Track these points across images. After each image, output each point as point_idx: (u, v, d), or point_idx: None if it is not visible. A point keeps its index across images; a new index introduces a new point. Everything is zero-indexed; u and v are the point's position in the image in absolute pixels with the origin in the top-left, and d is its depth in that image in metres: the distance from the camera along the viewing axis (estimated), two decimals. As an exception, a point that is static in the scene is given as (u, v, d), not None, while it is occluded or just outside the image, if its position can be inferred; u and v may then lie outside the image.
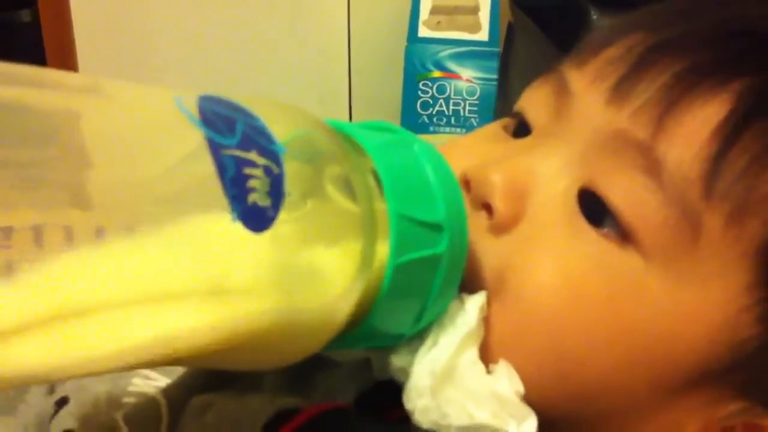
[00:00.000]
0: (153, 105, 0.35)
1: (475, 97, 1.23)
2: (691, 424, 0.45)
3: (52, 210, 0.30)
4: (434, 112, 1.25)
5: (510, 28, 1.34)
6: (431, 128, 1.21)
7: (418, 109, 1.24)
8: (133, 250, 0.31)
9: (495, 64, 1.23)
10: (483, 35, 1.28)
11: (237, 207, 0.32)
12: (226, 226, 0.32)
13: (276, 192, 0.34)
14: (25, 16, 3.17)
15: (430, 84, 1.26)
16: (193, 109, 0.34)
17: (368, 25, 1.52)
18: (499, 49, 1.25)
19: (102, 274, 0.30)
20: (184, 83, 1.68)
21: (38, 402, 0.48)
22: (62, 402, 0.48)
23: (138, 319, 0.32)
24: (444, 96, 1.25)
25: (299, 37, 1.57)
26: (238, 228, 0.32)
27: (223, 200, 0.32)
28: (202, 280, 0.33)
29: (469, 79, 1.25)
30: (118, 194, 0.32)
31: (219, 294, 0.33)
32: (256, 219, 0.33)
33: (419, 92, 1.25)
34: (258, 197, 0.33)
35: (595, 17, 1.03)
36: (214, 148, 0.32)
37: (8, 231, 0.28)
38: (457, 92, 1.25)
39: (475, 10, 1.32)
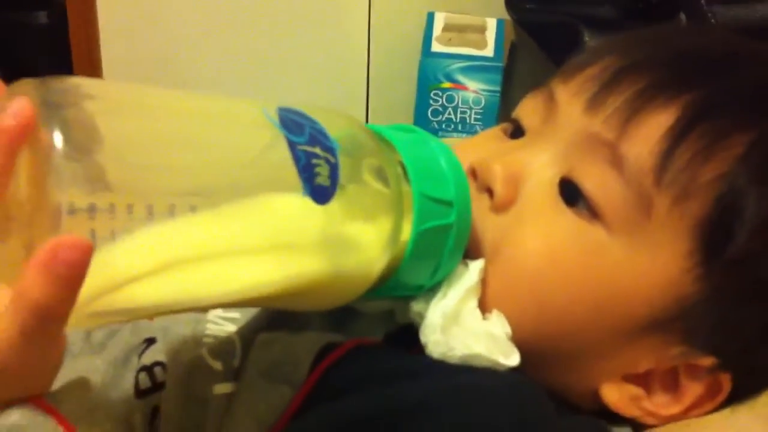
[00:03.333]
0: (247, 114, 0.45)
1: (480, 107, 1.30)
2: (644, 362, 0.52)
3: (156, 193, 0.38)
4: (443, 119, 1.32)
5: (513, 46, 1.40)
6: (440, 133, 1.27)
7: (429, 116, 1.31)
8: (220, 219, 0.40)
9: (498, 77, 1.29)
10: (489, 51, 1.34)
11: (307, 186, 0.41)
12: (297, 201, 0.41)
13: (334, 176, 0.43)
14: (42, 17, 3.08)
15: (440, 94, 1.32)
16: (275, 116, 0.43)
17: (386, 40, 1.58)
18: (502, 64, 1.32)
19: (197, 237, 0.39)
20: (206, 85, 1.68)
21: (126, 340, 0.56)
22: (150, 341, 0.56)
23: (228, 272, 0.41)
24: (452, 105, 1.32)
25: (323, 49, 1.62)
26: (307, 201, 0.41)
27: (294, 182, 0.41)
28: (276, 243, 0.42)
29: (475, 91, 1.31)
30: (217, 180, 0.41)
31: (288, 253, 0.43)
32: (321, 195, 0.42)
33: (430, 101, 1.32)
34: (322, 180, 0.42)
35: (587, 38, 1.10)
36: (291, 145, 0.42)
37: (111, 208, 0.37)
38: (464, 102, 1.32)
39: (482, 29, 1.39)
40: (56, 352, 0.40)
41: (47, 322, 0.36)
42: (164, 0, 1.71)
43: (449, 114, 1.32)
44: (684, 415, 0.52)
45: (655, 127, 0.50)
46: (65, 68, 2.13)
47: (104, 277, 0.36)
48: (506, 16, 1.39)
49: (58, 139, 0.35)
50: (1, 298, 0.36)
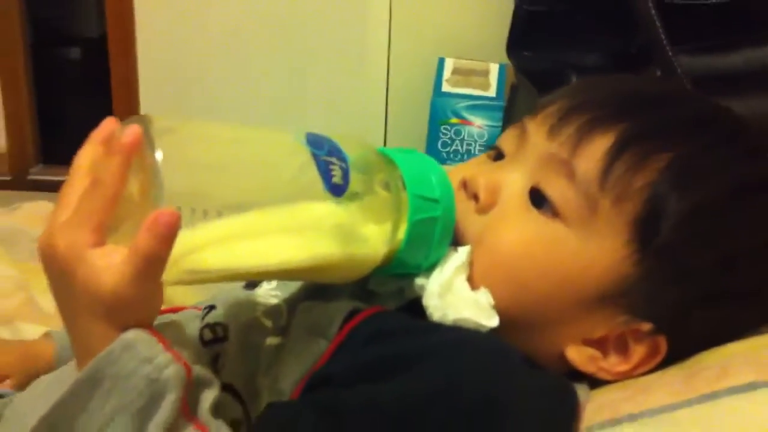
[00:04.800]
0: (282, 139, 0.58)
1: (483, 140, 1.40)
2: (598, 329, 0.61)
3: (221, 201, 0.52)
4: (451, 150, 1.42)
5: (513, 87, 1.50)
6: (448, 162, 1.38)
7: (439, 147, 1.42)
8: (264, 214, 0.53)
9: (500, 114, 1.40)
10: (492, 92, 1.45)
11: (327, 184, 0.55)
12: (321, 204, 0.54)
13: (345, 178, 0.56)
14: (74, 53, 3.08)
15: (449, 128, 1.42)
16: (303, 137, 0.56)
17: (402, 81, 1.69)
18: (503, 103, 1.42)
19: (247, 224, 0.53)
20: (239, 115, 1.79)
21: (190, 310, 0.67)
22: (211, 308, 0.66)
23: (268, 249, 0.54)
24: (459, 138, 1.42)
25: (347, 89, 1.74)
26: (328, 204, 0.54)
27: (319, 192, 0.54)
28: (304, 230, 0.55)
29: (479, 126, 1.42)
30: (265, 195, 0.54)
31: (313, 238, 0.55)
32: (337, 190, 0.55)
33: (441, 134, 1.42)
34: (337, 179, 0.55)
35: (575, 81, 1.20)
36: (315, 155, 0.55)
37: (191, 211, 0.50)
38: (470, 135, 1.42)
39: (486, 73, 1.50)
40: (158, 294, 0.50)
41: (151, 266, 0.47)
42: (201, 43, 1.83)
43: (456, 146, 1.41)
44: (632, 371, 0.61)
45: (598, 147, 0.61)
46: (99, 100, 2.22)
47: (185, 244, 0.49)
48: (507, 61, 1.48)
49: (160, 155, 0.48)
50: (120, 255, 0.48)
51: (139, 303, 0.49)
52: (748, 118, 0.73)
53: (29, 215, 1.31)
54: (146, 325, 0.50)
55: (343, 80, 1.76)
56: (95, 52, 2.49)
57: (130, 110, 2.00)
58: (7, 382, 0.76)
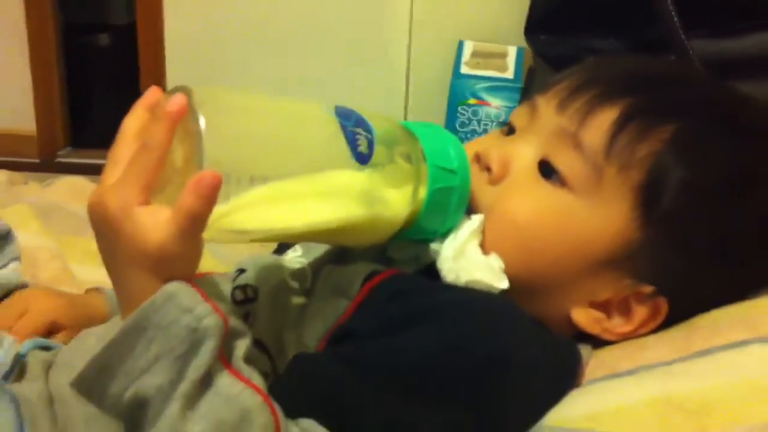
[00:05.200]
0: (314, 110, 0.61)
1: (500, 120, 1.41)
2: (603, 292, 0.64)
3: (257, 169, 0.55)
4: (469, 130, 1.44)
5: (530, 70, 1.51)
6: (465, 142, 1.40)
7: (457, 127, 1.44)
8: (298, 179, 0.57)
9: (517, 95, 1.42)
10: (509, 74, 1.47)
11: (353, 152, 0.58)
12: (349, 171, 0.57)
13: (370, 147, 0.59)
14: (103, 39, 3.11)
15: (467, 109, 1.44)
16: (332, 109, 0.60)
17: (423, 63, 1.72)
18: (521, 85, 1.45)
19: (282, 188, 0.56)
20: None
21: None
22: (241, 271, 0.67)
23: (300, 210, 0.57)
24: (477, 118, 1.45)
25: (370, 71, 1.77)
26: (355, 171, 0.58)
27: (347, 160, 0.57)
28: (333, 194, 0.58)
29: (497, 107, 1.44)
30: (296, 163, 0.58)
31: (341, 201, 0.59)
32: (362, 158, 0.58)
33: (459, 114, 1.44)
34: (362, 148, 0.59)
35: (585, 61, 1.21)
36: (343, 126, 0.59)
37: (228, 177, 0.52)
38: (487, 116, 1.44)
39: (504, 56, 1.52)
40: (198, 250, 0.53)
41: (194, 223, 0.50)
42: (226, 29, 1.86)
43: (474, 126, 1.44)
44: (634, 332, 0.64)
45: (604, 120, 0.63)
46: (126, 86, 2.24)
47: (224, 206, 0.52)
48: (525, 45, 1.51)
49: (203, 123, 0.52)
50: (165, 213, 0.51)
51: (181, 258, 0.52)
52: (761, 100, 0.76)
53: (63, 191, 1.34)
54: (187, 278, 0.53)
55: (365, 62, 1.78)
56: (124, 40, 2.53)
57: None
58: (62, 334, 0.77)
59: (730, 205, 0.65)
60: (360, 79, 1.78)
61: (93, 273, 1.08)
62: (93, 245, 1.15)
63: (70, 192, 1.32)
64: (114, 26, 3.14)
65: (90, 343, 0.67)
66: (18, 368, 0.66)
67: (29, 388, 0.63)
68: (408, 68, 1.75)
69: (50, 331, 0.77)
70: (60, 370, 0.63)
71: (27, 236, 1.10)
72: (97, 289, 0.84)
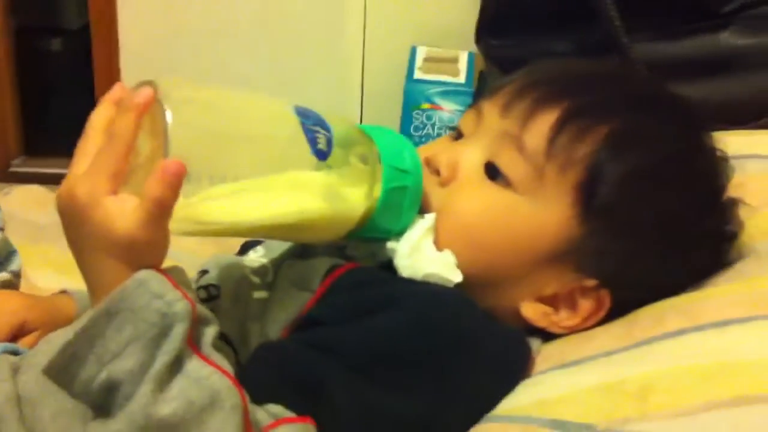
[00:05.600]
0: (273, 107, 0.64)
1: (453, 124, 1.39)
2: (550, 286, 0.67)
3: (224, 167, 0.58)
4: (423, 134, 1.46)
5: (481, 74, 1.54)
6: (420, 145, 1.41)
7: (412, 132, 1.46)
8: (259, 174, 0.59)
9: (469, 99, 1.44)
10: (461, 79, 1.49)
11: (313, 149, 0.60)
12: (309, 169, 0.60)
13: (329, 145, 0.61)
14: (55, 44, 3.08)
15: (421, 113, 1.46)
16: (292, 109, 0.62)
17: (377, 68, 1.74)
18: (472, 89, 1.47)
19: (244, 182, 0.58)
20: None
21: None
22: (204, 272, 0.70)
23: (261, 203, 0.59)
24: (431, 122, 1.47)
25: (324, 75, 1.78)
26: (314, 160, 0.60)
27: (307, 157, 0.60)
28: (294, 189, 0.60)
29: (450, 111, 1.46)
30: (259, 159, 0.60)
31: (301, 196, 0.61)
32: (321, 155, 0.61)
33: (413, 119, 1.46)
34: (321, 146, 0.61)
35: (526, 66, 1.22)
36: (303, 124, 0.61)
37: (192, 168, 0.54)
38: (441, 120, 1.46)
39: (456, 61, 1.55)
40: (165, 238, 0.54)
41: (160, 210, 0.52)
42: (181, 32, 1.85)
43: (428, 130, 1.46)
44: (581, 324, 0.67)
45: (544, 122, 0.66)
46: (79, 92, 2.22)
47: (188, 196, 0.54)
48: (476, 50, 1.53)
49: (169, 116, 0.54)
50: (133, 201, 0.53)
51: (149, 245, 0.54)
52: (700, 100, 0.80)
53: (20, 199, 1.35)
54: (156, 266, 0.54)
55: (320, 67, 1.79)
56: (76, 44, 2.51)
57: None
58: (32, 335, 0.78)
59: (664, 196, 0.68)
60: (316, 83, 1.79)
61: (51, 281, 1.09)
62: (51, 253, 1.17)
63: (28, 201, 1.33)
64: (66, 30, 3.12)
65: (58, 343, 0.69)
66: None
67: None
68: (362, 73, 1.76)
69: (21, 330, 0.77)
70: (27, 371, 0.64)
71: (-15, 244, 1.11)
72: (64, 292, 0.85)
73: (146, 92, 0.55)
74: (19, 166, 2.26)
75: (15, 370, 0.66)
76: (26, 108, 2.32)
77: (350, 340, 0.60)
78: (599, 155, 0.66)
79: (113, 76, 2.00)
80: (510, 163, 0.67)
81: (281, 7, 1.80)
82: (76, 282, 1.00)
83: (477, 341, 0.62)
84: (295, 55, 1.81)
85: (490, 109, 0.71)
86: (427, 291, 0.64)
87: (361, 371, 0.58)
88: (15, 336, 0.76)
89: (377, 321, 0.61)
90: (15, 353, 0.71)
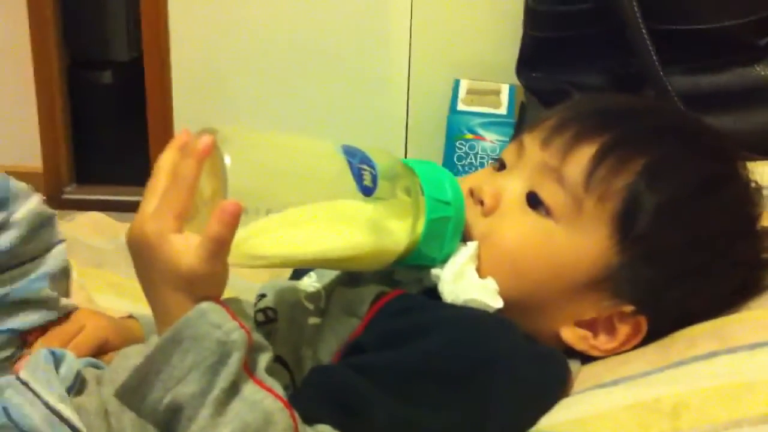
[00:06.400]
0: (322, 147, 0.68)
1: (495, 154, 1.45)
2: (588, 312, 0.69)
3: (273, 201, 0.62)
4: (466, 164, 1.49)
5: (522, 105, 1.56)
6: (462, 174, 1.41)
7: (455, 161, 1.49)
8: (309, 210, 0.63)
9: (510, 130, 1.47)
10: (503, 110, 1.52)
11: (359, 185, 0.64)
12: (356, 203, 0.64)
13: (375, 181, 0.65)
14: (105, 77, 3.15)
15: (464, 143, 1.49)
16: (340, 148, 0.66)
17: (422, 101, 1.77)
18: (513, 120, 1.49)
19: (295, 217, 0.62)
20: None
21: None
22: (262, 296, 0.73)
23: (312, 238, 0.63)
24: (474, 152, 1.49)
25: (370, 108, 1.81)
26: (361, 202, 0.64)
27: (353, 192, 0.64)
28: (341, 224, 0.64)
29: (491, 141, 1.49)
30: (308, 194, 0.64)
31: (348, 231, 0.64)
32: (367, 190, 0.64)
33: (456, 149, 1.49)
34: (367, 182, 0.65)
35: (565, 102, 1.21)
36: (350, 163, 0.65)
37: (248, 207, 0.59)
38: (483, 150, 1.49)
39: (498, 93, 1.57)
40: (225, 272, 0.58)
41: (220, 247, 0.56)
42: (232, 66, 1.89)
43: (471, 159, 1.49)
44: (619, 348, 0.69)
45: (583, 155, 0.69)
46: (128, 122, 2.26)
47: (245, 232, 0.59)
48: (517, 82, 1.55)
49: (227, 160, 0.59)
50: (196, 239, 0.57)
51: (210, 279, 0.58)
52: (735, 131, 0.83)
53: (83, 225, 1.40)
54: (216, 297, 0.58)
55: (366, 100, 1.83)
56: (126, 76, 2.57)
57: (165, 131, 2.06)
58: (112, 353, 0.82)
59: (697, 224, 0.70)
60: (362, 115, 1.83)
61: (113, 302, 1.15)
62: (112, 277, 1.23)
63: (90, 226, 1.38)
64: (116, 63, 3.20)
65: (132, 362, 0.74)
66: (78, 383, 0.71)
67: (88, 401, 0.68)
68: (407, 105, 1.79)
69: (101, 348, 0.82)
70: (108, 386, 0.69)
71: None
72: (131, 316, 0.90)
73: (207, 140, 0.59)
74: (70, 194, 2.33)
75: (98, 383, 0.71)
76: (77, 137, 2.38)
77: (390, 364, 0.63)
78: (636, 186, 0.68)
79: (166, 105, 2.05)
80: (550, 194, 0.70)
81: (329, 42, 1.84)
82: (135, 305, 1.06)
83: (514, 362, 0.64)
84: (342, 89, 1.84)
85: (531, 141, 0.73)
86: (466, 315, 0.67)
87: (399, 392, 0.61)
88: (96, 353, 0.81)
89: (417, 345, 0.63)
90: (96, 367, 0.76)
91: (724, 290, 0.72)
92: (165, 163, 0.62)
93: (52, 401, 0.66)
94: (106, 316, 0.88)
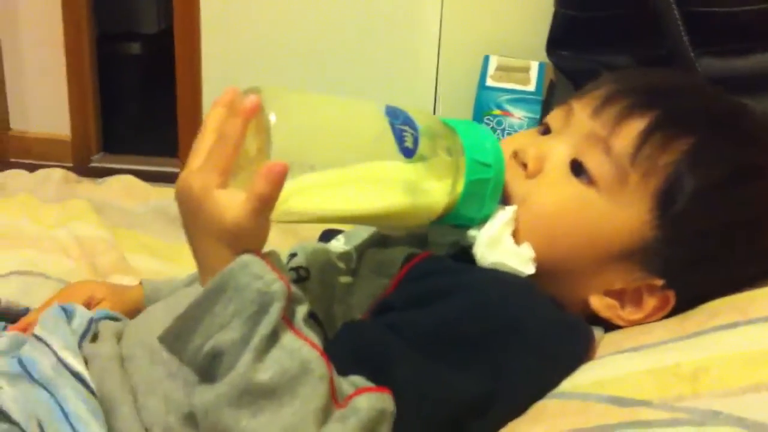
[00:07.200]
0: (365, 108, 0.69)
1: (522, 130, 1.42)
2: (618, 282, 0.70)
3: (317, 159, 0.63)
4: None
5: (551, 83, 1.56)
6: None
7: None
8: (350, 169, 0.64)
9: (538, 107, 1.47)
10: (531, 87, 1.52)
11: (400, 147, 0.65)
12: (396, 163, 0.64)
13: (416, 143, 0.66)
14: (134, 48, 3.20)
15: (492, 119, 1.50)
16: (383, 108, 0.67)
17: (451, 76, 1.78)
18: (542, 98, 1.49)
19: (336, 175, 0.63)
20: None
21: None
22: (293, 255, 0.76)
23: (350, 196, 0.64)
24: (501, 128, 1.49)
25: (400, 84, 1.83)
26: (400, 156, 0.65)
27: (394, 153, 0.64)
28: (380, 182, 0.65)
29: (519, 117, 1.49)
30: (349, 152, 0.65)
31: (386, 189, 0.65)
32: (407, 152, 0.65)
33: (484, 124, 1.43)
34: (408, 144, 0.66)
35: (617, 71, 1.18)
36: (392, 124, 0.66)
37: (293, 165, 0.59)
38: (511, 126, 1.49)
39: (527, 70, 1.57)
40: (267, 227, 0.60)
41: (264, 204, 0.57)
42: (263, 32, 1.89)
43: (498, 135, 1.46)
44: (644, 320, 0.71)
45: (631, 129, 0.70)
46: (156, 93, 2.24)
47: (288, 190, 0.59)
48: (546, 60, 1.56)
49: (273, 119, 0.60)
50: (241, 195, 0.58)
51: (252, 233, 0.59)
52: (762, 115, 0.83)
53: (115, 189, 1.44)
54: (257, 250, 0.60)
55: (396, 75, 1.83)
56: (154, 48, 2.61)
57: (193, 102, 2.07)
58: (104, 303, 0.88)
59: (734, 208, 0.71)
60: (392, 90, 1.83)
61: (145, 262, 1.19)
62: (144, 238, 1.27)
63: (122, 190, 1.42)
64: (144, 35, 3.25)
65: (156, 315, 0.76)
66: (92, 332, 0.75)
67: (102, 348, 0.71)
68: (436, 80, 1.79)
69: (88, 302, 0.89)
70: (130, 336, 0.71)
71: (88, 227, 1.20)
72: (140, 284, 0.95)
73: (253, 99, 0.60)
74: (98, 162, 2.37)
75: (118, 334, 0.74)
76: (106, 108, 2.41)
77: (417, 322, 0.64)
78: (679, 167, 0.69)
79: (195, 77, 2.06)
80: (596, 163, 0.70)
81: (359, 18, 1.85)
82: (166, 264, 1.10)
83: (538, 328, 0.66)
84: (373, 64, 1.85)
85: (581, 109, 0.74)
86: (493, 279, 0.68)
87: (425, 349, 0.63)
88: (85, 306, 0.86)
89: (442, 305, 0.65)
90: (114, 319, 0.81)
91: (747, 275, 0.73)
92: (212, 120, 0.63)
93: (57, 348, 0.69)
94: (92, 281, 0.94)
